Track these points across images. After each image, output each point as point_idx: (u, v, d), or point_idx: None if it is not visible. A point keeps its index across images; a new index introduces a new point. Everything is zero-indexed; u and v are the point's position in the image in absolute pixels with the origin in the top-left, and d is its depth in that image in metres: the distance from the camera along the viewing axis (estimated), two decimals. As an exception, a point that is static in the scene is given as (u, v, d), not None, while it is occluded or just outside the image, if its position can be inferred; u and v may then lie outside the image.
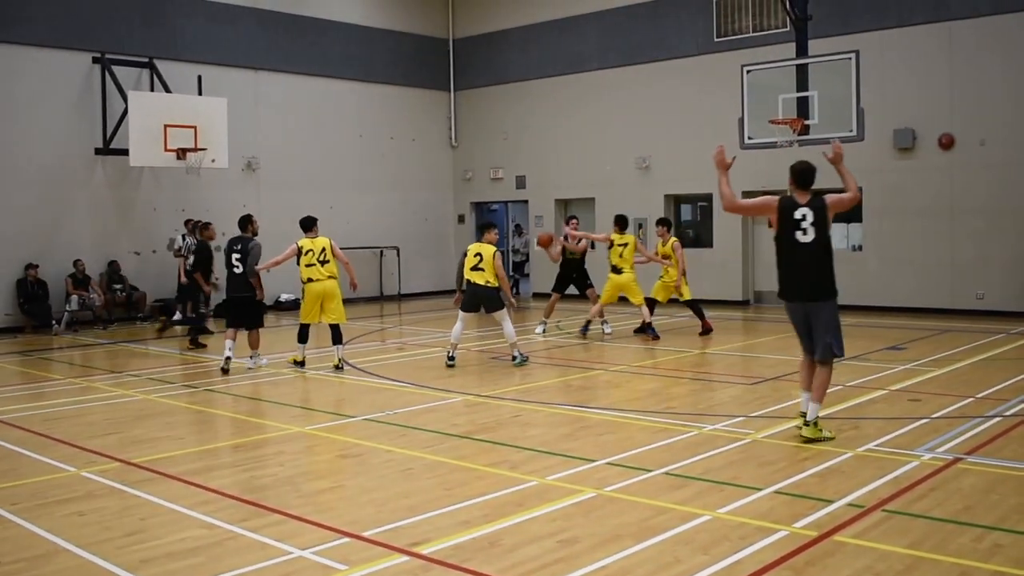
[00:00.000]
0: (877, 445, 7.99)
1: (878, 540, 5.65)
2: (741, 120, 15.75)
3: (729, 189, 8.29)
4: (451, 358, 13.14)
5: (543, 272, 24.22)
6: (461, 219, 26.81)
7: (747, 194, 20.96)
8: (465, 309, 13.29)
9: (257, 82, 22.38)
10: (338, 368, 12.93)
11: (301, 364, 13.30)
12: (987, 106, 18.15)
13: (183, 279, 17.16)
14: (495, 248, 13.35)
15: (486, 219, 24.80)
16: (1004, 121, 17.95)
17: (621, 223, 16.00)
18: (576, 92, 24.07)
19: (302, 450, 8.47)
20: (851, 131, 14.69)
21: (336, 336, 13.23)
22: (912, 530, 5.85)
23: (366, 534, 5.91)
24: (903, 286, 19.17)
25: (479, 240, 13.51)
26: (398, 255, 24.70)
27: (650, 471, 7.27)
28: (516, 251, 27.69)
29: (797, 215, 8.07)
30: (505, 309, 13.32)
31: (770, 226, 8.40)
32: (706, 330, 15.98)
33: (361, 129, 24.46)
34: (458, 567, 5.33)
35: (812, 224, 8.03)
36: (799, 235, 8.06)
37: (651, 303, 16.03)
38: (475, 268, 13.10)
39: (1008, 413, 9.25)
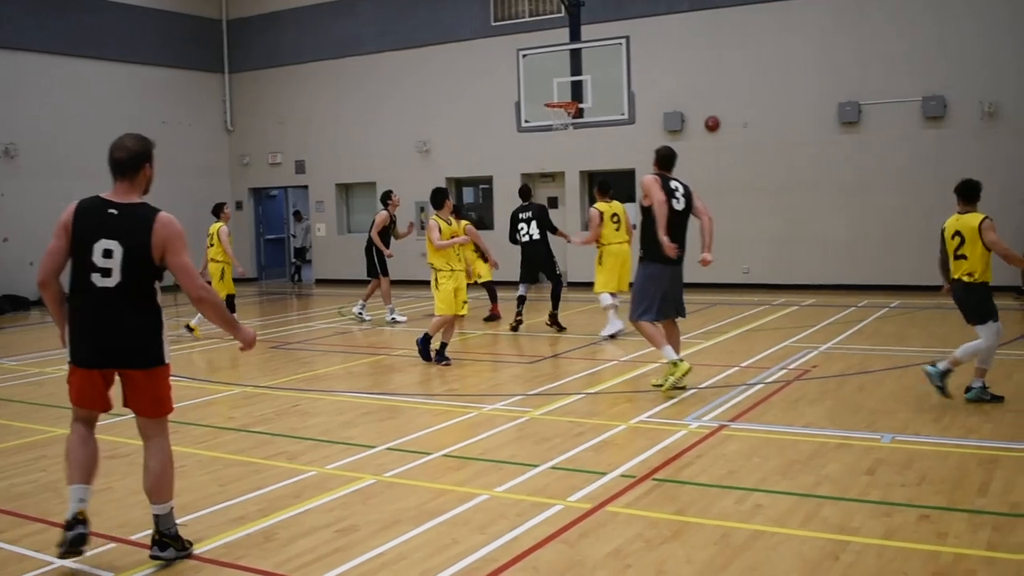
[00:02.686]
0: (649, 416, 8.30)
1: (648, 508, 5.87)
2: (518, 104, 15.99)
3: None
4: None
5: (323, 258, 23.98)
6: (239, 205, 26.03)
7: (525, 176, 21.63)
8: None
9: (17, 63, 20.94)
10: None
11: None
12: (748, 91, 19.11)
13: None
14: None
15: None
16: (763, 105, 18.96)
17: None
18: (354, 75, 23.79)
19: (66, 453, 7.96)
20: (623, 114, 15.19)
21: None
22: (680, 497, 6.11)
23: (134, 537, 5.65)
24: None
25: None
26: (174, 244, 23.64)
27: (430, 454, 7.29)
28: (295, 236, 27.08)
29: (672, 186, 9.24)
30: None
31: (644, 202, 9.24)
32: (493, 316, 15.46)
33: (130, 113, 23.22)
34: (231, 565, 5.18)
35: (683, 195, 9.30)
36: (675, 203, 9.17)
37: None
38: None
39: (769, 380, 9.81)
